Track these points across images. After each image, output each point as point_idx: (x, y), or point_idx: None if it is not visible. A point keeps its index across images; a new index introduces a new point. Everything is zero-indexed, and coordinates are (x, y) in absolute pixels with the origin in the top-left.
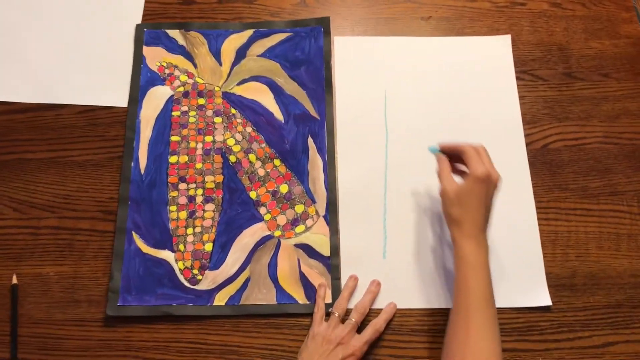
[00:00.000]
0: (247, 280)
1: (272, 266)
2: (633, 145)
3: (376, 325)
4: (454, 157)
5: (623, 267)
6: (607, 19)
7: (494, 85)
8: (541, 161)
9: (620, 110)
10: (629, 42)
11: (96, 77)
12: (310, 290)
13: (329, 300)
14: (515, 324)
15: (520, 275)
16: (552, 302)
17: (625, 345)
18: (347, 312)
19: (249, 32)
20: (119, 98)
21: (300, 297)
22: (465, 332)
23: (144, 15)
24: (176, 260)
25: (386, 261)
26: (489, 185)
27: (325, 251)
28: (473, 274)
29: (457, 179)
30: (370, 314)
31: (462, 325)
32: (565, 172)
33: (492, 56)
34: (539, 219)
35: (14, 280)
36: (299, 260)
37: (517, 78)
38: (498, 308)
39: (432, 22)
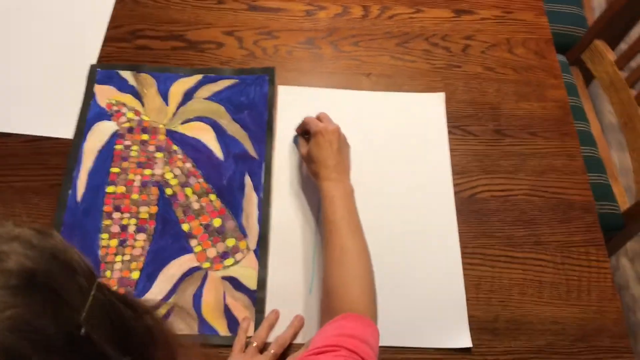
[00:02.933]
0: (170, 310)
1: (197, 297)
2: (558, 199)
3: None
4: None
5: (545, 313)
6: (536, 84)
7: (427, 137)
8: (468, 209)
9: (546, 166)
10: (556, 105)
11: (45, 109)
12: (233, 322)
13: (251, 333)
14: None
15: (443, 317)
16: (474, 344)
17: None
18: (268, 345)
19: (197, 77)
20: (66, 130)
21: (223, 329)
22: (332, 248)
23: (100, 57)
24: None
25: (312, 296)
26: (328, 135)
27: (252, 284)
28: (329, 205)
29: None
30: (290, 348)
31: (328, 243)
32: (491, 220)
33: (427, 111)
34: (464, 263)
35: None
36: (224, 292)
37: (450, 132)
38: (420, 348)
39: (373, 78)
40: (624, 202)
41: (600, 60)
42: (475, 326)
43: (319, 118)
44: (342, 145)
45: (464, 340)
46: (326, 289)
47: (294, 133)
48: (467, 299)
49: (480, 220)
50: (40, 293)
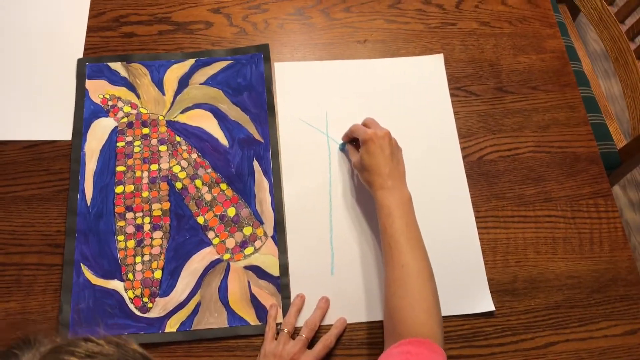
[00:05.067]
0: (198, 305)
1: (223, 289)
2: (563, 153)
3: (327, 340)
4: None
5: (560, 269)
6: (532, 35)
7: (429, 102)
8: (478, 172)
9: (549, 121)
10: (554, 56)
11: (39, 112)
12: (261, 311)
13: (280, 319)
14: (461, 331)
15: (463, 284)
16: (496, 307)
17: (566, 345)
18: (298, 330)
19: (190, 62)
20: (63, 132)
21: (252, 319)
22: (392, 265)
23: (85, 49)
24: (126, 290)
25: (334, 277)
26: (378, 142)
27: (275, 271)
28: (386, 217)
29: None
30: (321, 330)
31: (389, 260)
32: (501, 181)
33: (427, 74)
34: (478, 228)
35: None
36: (249, 282)
37: (451, 94)
38: (444, 316)
39: (368, 45)
40: (619, 140)
41: None
42: (495, 289)
43: (365, 124)
44: (394, 149)
45: (487, 304)
46: (389, 310)
47: (299, 116)
48: (485, 263)
49: (491, 182)
50: None
